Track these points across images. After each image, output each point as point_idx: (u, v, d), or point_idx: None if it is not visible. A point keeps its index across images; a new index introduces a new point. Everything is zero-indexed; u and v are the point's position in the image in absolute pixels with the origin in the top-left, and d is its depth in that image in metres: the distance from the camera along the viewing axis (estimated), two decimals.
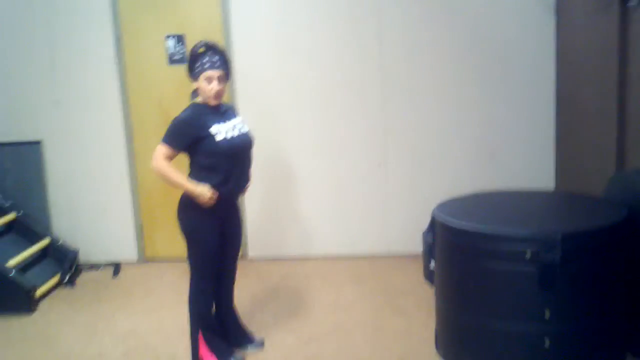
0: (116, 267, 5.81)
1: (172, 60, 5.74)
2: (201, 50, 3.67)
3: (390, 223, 5.77)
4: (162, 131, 3.64)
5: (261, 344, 4.18)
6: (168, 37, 5.71)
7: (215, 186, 3.65)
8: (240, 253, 4.13)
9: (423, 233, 3.97)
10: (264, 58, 5.68)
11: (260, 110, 5.70)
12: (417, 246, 4.19)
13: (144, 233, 5.98)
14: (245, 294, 5.00)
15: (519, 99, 5.51)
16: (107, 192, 5.93)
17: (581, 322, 3.40)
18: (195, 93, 3.75)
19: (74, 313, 4.92)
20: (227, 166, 3.69)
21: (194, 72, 3.68)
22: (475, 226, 3.50)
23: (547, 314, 3.34)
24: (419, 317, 4.47)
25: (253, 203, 5.83)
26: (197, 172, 3.68)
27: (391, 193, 5.75)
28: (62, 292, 5.38)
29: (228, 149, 3.67)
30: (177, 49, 5.73)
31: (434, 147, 5.64)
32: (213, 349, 3.87)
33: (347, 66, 5.61)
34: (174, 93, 5.70)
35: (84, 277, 5.68)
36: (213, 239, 3.76)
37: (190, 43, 5.62)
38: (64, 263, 5.59)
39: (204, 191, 3.59)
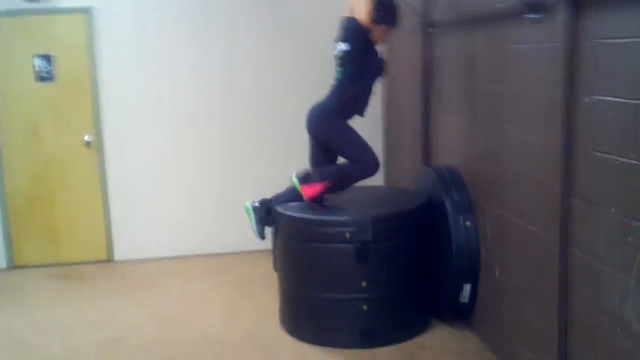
0: None
1: (40, 78, 6.09)
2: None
3: (244, 221, 6.33)
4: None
5: None
6: (36, 56, 6.07)
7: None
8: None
9: (272, 230, 4.66)
10: (127, 75, 6.15)
11: (124, 123, 6.18)
12: (270, 242, 4.79)
13: (12, 240, 6.27)
14: (111, 294, 5.50)
15: None
16: None
17: (391, 290, 4.22)
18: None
19: None
20: None
21: (384, 19, 4.29)
22: (306, 214, 4.25)
23: (364, 284, 4.12)
24: (266, 301, 5.08)
25: (117, 209, 6.30)
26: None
27: (244, 192, 6.33)
28: None
29: None
30: (45, 67, 6.10)
31: (289, 145, 6.20)
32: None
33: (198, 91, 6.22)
34: (42, 109, 6.07)
35: None
36: None
37: (58, 62, 6.04)
38: None
39: None
